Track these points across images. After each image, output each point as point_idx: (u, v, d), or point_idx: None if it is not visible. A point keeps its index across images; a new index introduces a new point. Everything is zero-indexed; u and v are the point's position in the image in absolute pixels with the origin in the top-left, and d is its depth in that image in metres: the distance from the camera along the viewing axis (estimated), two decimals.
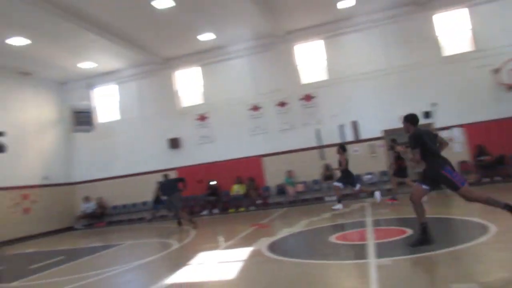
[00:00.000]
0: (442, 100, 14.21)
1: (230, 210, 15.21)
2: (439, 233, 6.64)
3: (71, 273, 7.06)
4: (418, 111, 14.08)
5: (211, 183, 15.60)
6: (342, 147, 11.30)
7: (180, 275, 5.70)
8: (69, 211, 17.38)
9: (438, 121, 14.29)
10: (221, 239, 8.88)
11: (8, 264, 9.79)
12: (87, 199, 17.27)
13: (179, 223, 11.83)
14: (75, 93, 17.10)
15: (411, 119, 6.05)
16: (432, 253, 5.14)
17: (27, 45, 13.47)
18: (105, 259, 8.43)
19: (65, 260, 8.82)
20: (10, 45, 13.28)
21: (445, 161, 5.53)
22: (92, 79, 17.68)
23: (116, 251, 9.34)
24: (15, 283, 6.81)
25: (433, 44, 14.55)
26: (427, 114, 14.33)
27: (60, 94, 18.13)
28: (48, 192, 16.45)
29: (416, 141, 5.66)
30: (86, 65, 16.28)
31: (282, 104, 15.84)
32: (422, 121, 14.28)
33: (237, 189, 15.44)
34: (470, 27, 14.38)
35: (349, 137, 14.96)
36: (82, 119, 14.86)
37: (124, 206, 17.31)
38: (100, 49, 14.86)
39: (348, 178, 11.25)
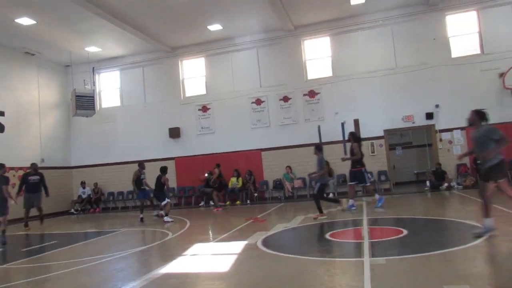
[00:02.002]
0: (446, 102, 14.18)
1: (226, 203, 15.18)
2: (435, 234, 6.62)
3: (64, 258, 7.03)
4: (421, 112, 14.26)
5: (206, 174, 15.51)
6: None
7: (174, 266, 5.67)
8: (65, 195, 17.38)
9: (440, 123, 14.26)
10: (215, 231, 8.86)
11: (8, 245, 9.77)
12: (83, 184, 17.25)
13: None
14: (78, 76, 17.01)
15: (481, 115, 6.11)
16: (427, 254, 5.12)
17: (33, 25, 13.44)
18: (98, 246, 8.41)
19: (58, 245, 8.79)
20: (18, 25, 13.25)
21: None
22: (96, 64, 17.62)
23: (110, 238, 9.32)
24: (5, 266, 6.79)
25: (442, 45, 14.46)
26: (429, 116, 14.30)
27: (64, 76, 18.10)
28: (45, 175, 16.37)
29: None
30: (92, 49, 16.24)
31: (285, 98, 15.77)
32: (424, 122, 14.44)
33: (234, 182, 15.41)
34: (478, 30, 14.27)
35: None
36: (84, 103, 14.77)
37: (120, 193, 17.29)
38: (107, 34, 14.80)
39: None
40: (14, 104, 15.48)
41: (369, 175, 11.05)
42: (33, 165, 12.68)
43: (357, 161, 10.46)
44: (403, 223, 7.87)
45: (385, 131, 14.80)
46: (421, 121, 14.42)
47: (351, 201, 10.38)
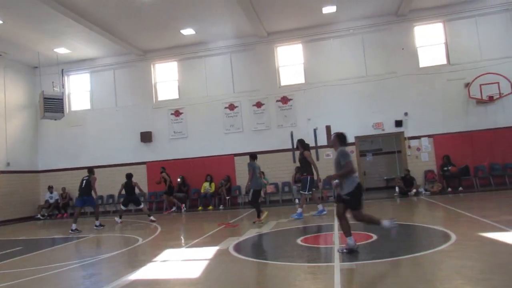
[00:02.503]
0: (414, 110, 14.62)
1: (198, 208, 15.07)
2: (404, 239, 6.80)
3: (29, 265, 6.78)
4: (391, 119, 14.64)
5: (179, 179, 15.43)
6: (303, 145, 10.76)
7: (144, 272, 5.57)
8: (31, 200, 16.83)
9: (408, 130, 14.68)
10: (187, 236, 8.78)
11: None
12: (50, 188, 16.73)
13: None
14: (46, 78, 16.52)
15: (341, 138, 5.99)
16: (396, 258, 5.26)
17: (0, 25, 12.94)
18: (66, 252, 8.16)
19: (23, 251, 8.47)
20: None
21: None
22: (66, 66, 17.20)
23: (78, 244, 9.06)
24: None
25: (411, 55, 14.94)
26: (399, 123, 14.70)
27: (31, 78, 17.55)
28: (10, 179, 15.85)
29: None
30: (61, 50, 15.82)
31: (258, 104, 15.85)
32: (394, 129, 14.84)
33: (207, 187, 15.32)
34: (445, 41, 14.83)
35: (323, 141, 15.11)
36: (52, 105, 14.35)
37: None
38: (76, 35, 14.46)
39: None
40: None
41: (315, 184, 10.56)
42: None
43: (306, 169, 10.26)
44: (372, 228, 7.97)
45: (356, 137, 15.09)
46: (390, 128, 14.80)
47: (300, 210, 10.17)
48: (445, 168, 14.00)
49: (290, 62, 16.13)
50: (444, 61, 14.81)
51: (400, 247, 6.02)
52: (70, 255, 7.65)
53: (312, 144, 15.00)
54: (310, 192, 10.39)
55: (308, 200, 11.20)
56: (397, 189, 14.32)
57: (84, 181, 11.21)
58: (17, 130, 16.73)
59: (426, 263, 5.01)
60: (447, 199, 12.24)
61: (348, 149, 14.44)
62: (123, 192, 12.17)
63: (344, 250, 5.67)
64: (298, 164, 15.06)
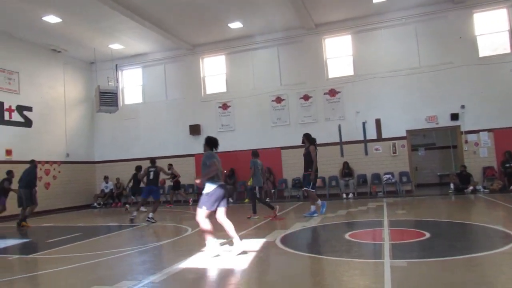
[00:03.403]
0: (472, 102, 13.83)
1: (245, 200, 15.21)
2: (459, 239, 6.46)
3: (87, 250, 7.19)
4: (446, 113, 13.94)
5: (225, 171, 15.62)
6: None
7: (193, 261, 5.71)
8: (88, 189, 17.78)
9: (466, 124, 13.91)
10: (234, 228, 8.84)
11: (27, 236, 10.06)
12: (106, 178, 17.58)
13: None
14: (102, 73, 17.33)
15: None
16: (451, 258, 5.00)
17: (60, 23, 13.77)
18: (120, 239, 8.54)
19: (82, 237, 8.99)
20: (45, 23, 13.61)
21: None
22: (120, 61, 17.91)
23: (131, 232, 9.45)
24: (32, 255, 6.98)
25: (469, 44, 14.09)
26: (454, 117, 13.96)
27: (88, 73, 18.47)
28: (69, 169, 16.84)
29: None
30: (115, 46, 16.51)
31: (306, 97, 15.68)
32: (449, 123, 14.11)
33: None
34: (509, 28, 13.85)
35: (372, 135, 14.71)
36: (107, 99, 15.03)
37: (140, 188, 17.52)
38: (129, 31, 15.00)
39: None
40: (41, 100, 15.92)
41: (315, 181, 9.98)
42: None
43: (310, 165, 9.89)
44: (425, 225, 7.72)
45: (407, 131, 14.53)
46: (445, 122, 14.09)
47: (318, 203, 9.80)
48: (507, 165, 13.12)
49: (339, 54, 15.78)
50: (508, 50, 13.83)
51: (456, 247, 5.71)
52: (123, 242, 8.00)
53: (360, 138, 14.69)
54: (314, 190, 9.92)
55: (303, 197, 10.90)
56: (452, 185, 13.65)
57: (152, 172, 11.10)
58: (75, 123, 17.72)
59: (485, 265, 4.72)
60: (508, 197, 11.50)
61: (399, 143, 13.90)
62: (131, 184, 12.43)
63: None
64: (345, 158, 14.86)
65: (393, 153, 14.56)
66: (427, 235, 6.51)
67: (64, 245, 8.01)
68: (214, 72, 17.36)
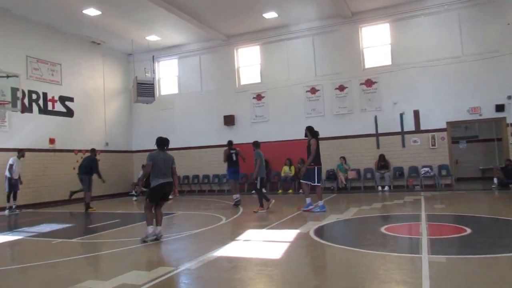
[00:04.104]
0: None
1: (278, 191, 15.21)
2: (503, 236, 6.19)
3: (125, 236, 7.44)
4: (490, 104, 13.31)
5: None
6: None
7: (227, 249, 5.78)
8: (126, 178, 18.32)
9: None
10: (268, 218, 8.90)
11: (68, 221, 10.53)
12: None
13: None
14: (139, 64, 17.69)
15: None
16: (494, 255, 4.80)
17: (99, 16, 14.17)
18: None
19: (120, 223, 9.32)
20: (85, 15, 14.04)
21: None
22: (156, 52, 18.23)
23: (168, 219, 9.68)
24: (74, 240, 7.30)
25: None
26: (500, 108, 13.29)
27: (126, 64, 18.96)
28: (108, 158, 17.41)
29: None
30: (152, 38, 16.82)
31: (341, 87, 15.40)
32: (493, 114, 13.46)
33: (287, 171, 15.38)
34: None
35: (410, 126, 14.28)
36: (144, 90, 15.36)
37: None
38: (166, 23, 15.22)
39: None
40: (82, 91, 16.51)
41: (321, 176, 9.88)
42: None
43: (313, 158, 9.58)
44: (466, 221, 7.44)
45: (448, 123, 13.99)
46: (489, 113, 13.45)
47: (320, 202, 9.50)
48: None
49: (376, 43, 15.35)
50: None
51: (498, 244, 5.47)
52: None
53: (397, 129, 14.31)
54: (320, 183, 9.65)
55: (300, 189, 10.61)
56: (495, 180, 13.04)
57: (234, 154, 11.49)
58: (114, 114, 18.27)
59: None
60: None
61: (439, 135, 13.48)
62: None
63: (144, 239, 6.53)
64: (381, 150, 14.53)
65: (432, 145, 14.08)
66: (468, 231, 6.28)
67: (104, 230, 8.33)
68: (249, 62, 17.36)
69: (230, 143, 11.86)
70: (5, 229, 9.29)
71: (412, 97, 14.30)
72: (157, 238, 6.61)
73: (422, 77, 14.24)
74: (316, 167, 9.56)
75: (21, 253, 6.74)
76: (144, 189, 11.41)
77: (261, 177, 10.24)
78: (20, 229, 9.00)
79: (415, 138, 14.25)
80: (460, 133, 16.87)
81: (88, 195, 12.30)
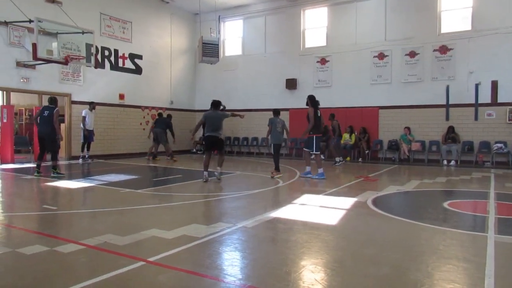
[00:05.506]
0: None
1: (347, 159, 14.98)
2: None
3: (186, 191, 7.84)
4: None
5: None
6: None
7: (284, 211, 5.90)
8: (188, 136, 18.99)
9: None
10: (325, 185, 8.88)
11: (135, 173, 11.22)
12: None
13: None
14: (205, 24, 17.83)
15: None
16: None
17: None
18: (216, 184, 9.09)
19: (182, 179, 9.80)
20: None
21: None
22: (222, 12, 18.25)
23: (227, 178, 10.00)
24: (140, 191, 7.82)
25: None
26: None
27: (192, 24, 19.22)
28: (173, 116, 18.09)
29: None
30: None
31: (412, 54, 14.53)
32: None
33: (347, 138, 15.09)
34: None
35: (485, 98, 13.24)
36: (209, 50, 15.52)
37: (236, 139, 18.30)
38: None
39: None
40: (150, 49, 17.08)
41: (320, 144, 10.28)
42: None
43: (312, 128, 9.66)
44: None
45: None
46: None
47: (320, 170, 9.63)
48: None
49: (455, 6, 14.13)
50: None
51: None
52: (219, 188, 8.52)
53: (471, 101, 13.35)
54: (318, 152, 10.00)
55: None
56: None
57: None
58: (179, 73, 18.79)
59: None
60: None
61: (505, 109, 12.04)
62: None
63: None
64: (451, 122, 13.70)
65: (509, 120, 13.02)
66: None
67: (167, 184, 8.82)
68: (315, 25, 16.82)
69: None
70: (79, 176, 10.17)
71: (491, 67, 13.17)
72: (218, 178, 8.80)
73: (506, 45, 12.99)
74: (314, 136, 9.73)
75: (92, 199, 7.37)
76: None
77: (274, 144, 10.24)
78: (92, 177, 9.79)
79: (490, 111, 13.24)
80: None
81: (168, 147, 14.34)
